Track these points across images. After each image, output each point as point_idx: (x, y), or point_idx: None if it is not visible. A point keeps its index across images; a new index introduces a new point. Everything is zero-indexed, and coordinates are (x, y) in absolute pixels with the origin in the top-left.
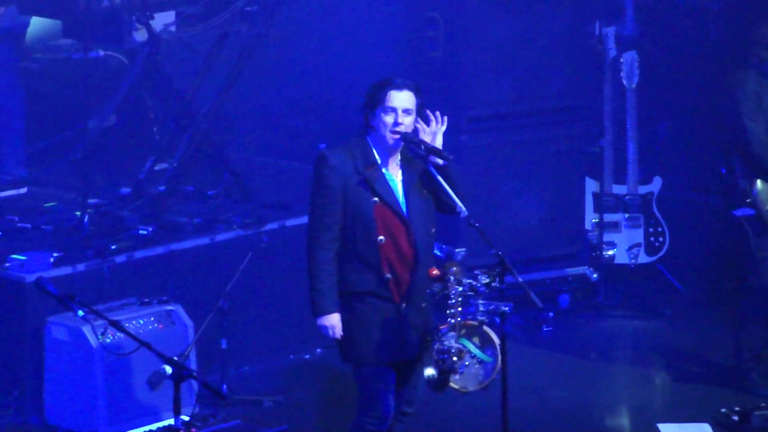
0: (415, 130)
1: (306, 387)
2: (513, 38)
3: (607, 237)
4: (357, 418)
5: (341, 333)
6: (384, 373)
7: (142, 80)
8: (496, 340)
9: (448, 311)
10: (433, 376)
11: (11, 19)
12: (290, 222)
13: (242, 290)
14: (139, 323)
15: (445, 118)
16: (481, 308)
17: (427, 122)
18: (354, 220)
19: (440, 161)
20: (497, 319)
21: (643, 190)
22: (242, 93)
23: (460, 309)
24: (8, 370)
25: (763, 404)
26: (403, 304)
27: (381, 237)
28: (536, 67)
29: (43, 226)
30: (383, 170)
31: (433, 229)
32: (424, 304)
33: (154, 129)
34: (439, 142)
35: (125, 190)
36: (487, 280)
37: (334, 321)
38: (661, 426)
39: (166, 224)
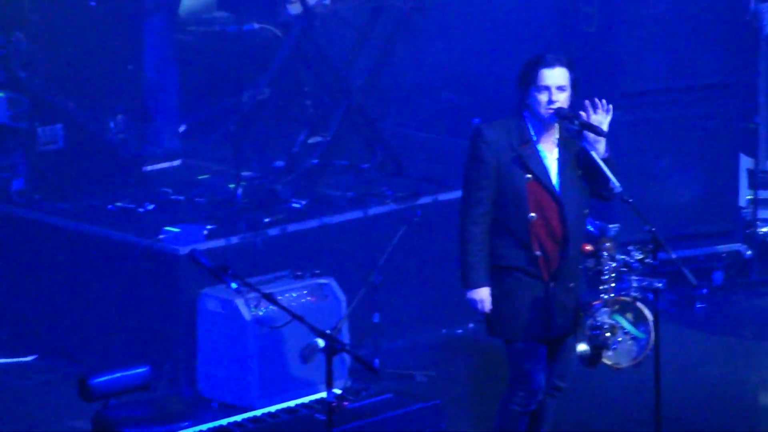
0: (572, 108)
1: (458, 361)
2: (667, 14)
3: (761, 214)
4: (507, 393)
5: (490, 307)
6: (534, 348)
7: (296, 54)
8: (649, 316)
9: (601, 287)
10: (586, 351)
11: None
12: (443, 196)
13: (395, 264)
14: (292, 296)
15: (611, 106)
16: (635, 284)
17: (593, 104)
18: (506, 195)
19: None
20: (650, 296)
21: None
22: (396, 67)
23: (613, 285)
24: (162, 342)
25: None
26: (552, 283)
27: (532, 214)
28: (690, 43)
29: (196, 199)
30: (538, 147)
31: (586, 210)
32: (572, 284)
33: (308, 102)
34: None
35: (279, 163)
36: (641, 256)
37: (483, 295)
38: None
39: (320, 198)
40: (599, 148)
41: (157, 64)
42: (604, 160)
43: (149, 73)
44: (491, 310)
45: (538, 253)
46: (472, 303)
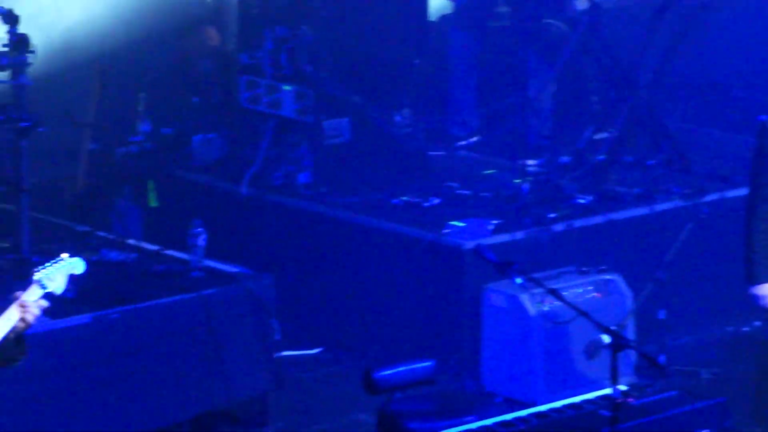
0: None
1: (744, 359)
2: None
3: None
4: None
5: None
6: None
7: (582, 48)
8: None
9: None
10: None
11: None
12: (730, 193)
13: (681, 261)
14: (577, 292)
15: None
16: None
17: None
18: None
19: None
20: None
21: None
22: (684, 62)
23: None
24: (446, 337)
25: None
26: None
27: None
28: None
29: (482, 194)
30: None
31: None
32: None
33: (594, 98)
34: None
35: (565, 158)
36: None
37: (766, 290)
38: None
39: (606, 193)
40: None
41: (460, 63)
42: None
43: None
44: None
45: None
46: (755, 298)
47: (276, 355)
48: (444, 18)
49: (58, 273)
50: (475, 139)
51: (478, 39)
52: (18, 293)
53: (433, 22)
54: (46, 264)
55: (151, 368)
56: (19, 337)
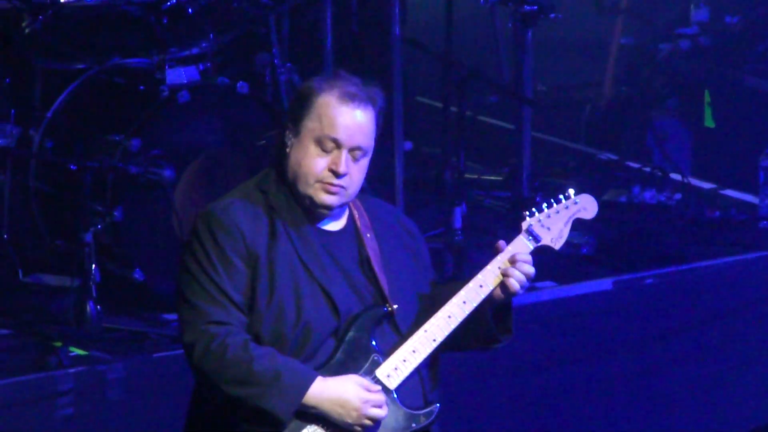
0: None
1: None
2: None
3: None
4: None
5: None
6: None
7: None
8: None
9: None
10: None
11: None
12: None
13: None
14: None
15: None
16: None
17: None
18: None
19: None
20: None
21: None
22: None
23: None
24: None
25: None
26: None
27: None
28: None
29: None
30: None
31: None
32: None
33: None
34: None
35: None
36: None
37: None
38: None
39: None
40: None
41: None
42: None
43: None
44: None
45: None
46: None
47: None
48: None
49: (558, 218)
50: None
51: None
52: (501, 244)
53: None
54: (544, 205)
55: (701, 355)
56: (500, 308)
